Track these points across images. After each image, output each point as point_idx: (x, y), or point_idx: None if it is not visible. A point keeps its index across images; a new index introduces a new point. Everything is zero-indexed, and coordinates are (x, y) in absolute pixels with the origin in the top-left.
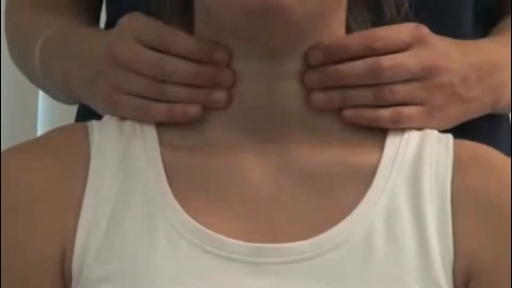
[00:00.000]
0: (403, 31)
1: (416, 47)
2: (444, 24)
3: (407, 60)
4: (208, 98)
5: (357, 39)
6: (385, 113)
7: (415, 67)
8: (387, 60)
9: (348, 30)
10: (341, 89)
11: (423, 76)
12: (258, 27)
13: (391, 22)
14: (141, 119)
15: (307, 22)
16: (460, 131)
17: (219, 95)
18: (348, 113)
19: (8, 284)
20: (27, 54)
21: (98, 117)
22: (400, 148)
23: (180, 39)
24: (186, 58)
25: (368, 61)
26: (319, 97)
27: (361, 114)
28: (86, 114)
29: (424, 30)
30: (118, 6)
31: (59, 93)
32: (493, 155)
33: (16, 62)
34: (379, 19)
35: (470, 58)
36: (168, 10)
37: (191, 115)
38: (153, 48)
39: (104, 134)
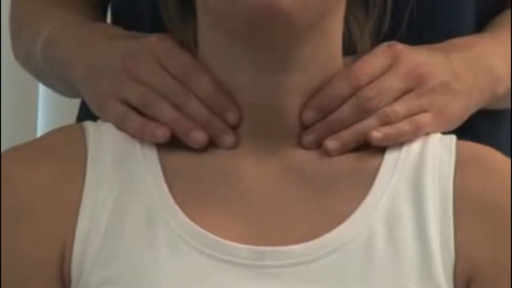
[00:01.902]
0: (378, 56)
1: (394, 65)
2: (447, 25)
3: (389, 81)
4: (187, 133)
5: (343, 84)
6: (405, 126)
7: (398, 84)
8: (369, 90)
9: (347, 28)
10: (348, 127)
11: (412, 87)
12: (259, 29)
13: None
14: (117, 126)
15: (307, 24)
16: (460, 130)
17: (198, 137)
18: (376, 136)
19: (7, 285)
20: (30, 43)
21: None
22: (402, 151)
23: (202, 83)
24: (200, 100)
25: (352, 100)
26: (332, 145)
27: (387, 135)
28: (88, 113)
29: (397, 46)
30: (121, 5)
31: (59, 84)
32: (495, 157)
33: (17, 55)
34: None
35: (453, 55)
36: (171, 11)
37: (157, 138)
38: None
39: (101, 135)
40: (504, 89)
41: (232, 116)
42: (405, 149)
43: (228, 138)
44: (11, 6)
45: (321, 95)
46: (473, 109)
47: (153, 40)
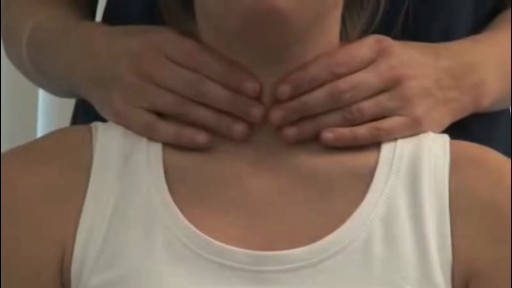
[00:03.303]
0: (364, 48)
1: (377, 61)
2: (443, 24)
3: (366, 77)
4: (229, 127)
5: (321, 68)
6: (362, 131)
7: (376, 81)
8: (345, 83)
9: (344, 28)
10: (311, 118)
11: (387, 87)
12: (256, 30)
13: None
14: (146, 136)
15: (304, 24)
16: (454, 129)
17: (240, 128)
18: (327, 136)
19: (7, 287)
20: (16, 43)
21: (96, 116)
22: (396, 149)
23: (212, 62)
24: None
25: (327, 88)
26: (290, 131)
27: (340, 136)
28: (84, 112)
29: (386, 42)
30: (115, 4)
31: (48, 83)
32: (491, 156)
33: (8, 54)
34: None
35: (443, 61)
36: (170, 12)
37: (198, 143)
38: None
39: (109, 137)
40: (491, 102)
41: (251, 85)
42: (399, 146)
43: (257, 110)
44: (1, 7)
45: (300, 73)
46: (451, 120)
47: (155, 36)
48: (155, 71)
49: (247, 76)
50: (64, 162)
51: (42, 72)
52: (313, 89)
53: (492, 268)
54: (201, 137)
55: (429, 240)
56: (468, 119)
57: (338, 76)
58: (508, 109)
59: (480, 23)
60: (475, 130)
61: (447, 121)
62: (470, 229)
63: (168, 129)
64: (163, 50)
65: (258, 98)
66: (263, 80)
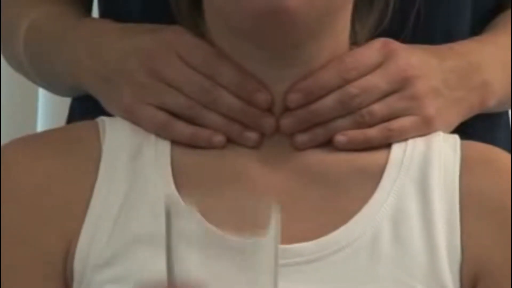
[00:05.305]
0: (372, 52)
1: (385, 64)
2: (444, 22)
3: (375, 80)
4: (240, 135)
5: (331, 75)
6: (374, 132)
7: (385, 84)
8: (355, 88)
9: (353, 30)
10: (322, 124)
11: (396, 89)
12: (265, 29)
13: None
14: (160, 135)
15: (313, 23)
16: (456, 132)
17: (252, 136)
18: (340, 139)
19: (10, 279)
20: (14, 43)
21: (93, 116)
22: (407, 149)
23: (226, 70)
24: (229, 90)
25: (337, 94)
26: (301, 138)
27: (353, 139)
28: (80, 113)
29: (392, 45)
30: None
31: (49, 82)
32: (501, 157)
33: (6, 57)
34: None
35: (449, 62)
36: (179, 10)
37: (214, 144)
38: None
39: (117, 133)
40: (496, 102)
41: (263, 96)
42: (410, 146)
43: (268, 122)
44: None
45: (310, 81)
46: (460, 120)
47: (168, 35)
48: (166, 70)
49: (259, 87)
50: (71, 156)
51: (42, 70)
52: (323, 95)
53: (500, 268)
54: (218, 139)
55: (438, 239)
56: (470, 119)
57: (348, 81)
58: (508, 110)
59: (479, 19)
60: (476, 130)
61: (456, 121)
62: (480, 229)
63: (185, 129)
64: (176, 49)
65: (269, 106)
66: (273, 87)
